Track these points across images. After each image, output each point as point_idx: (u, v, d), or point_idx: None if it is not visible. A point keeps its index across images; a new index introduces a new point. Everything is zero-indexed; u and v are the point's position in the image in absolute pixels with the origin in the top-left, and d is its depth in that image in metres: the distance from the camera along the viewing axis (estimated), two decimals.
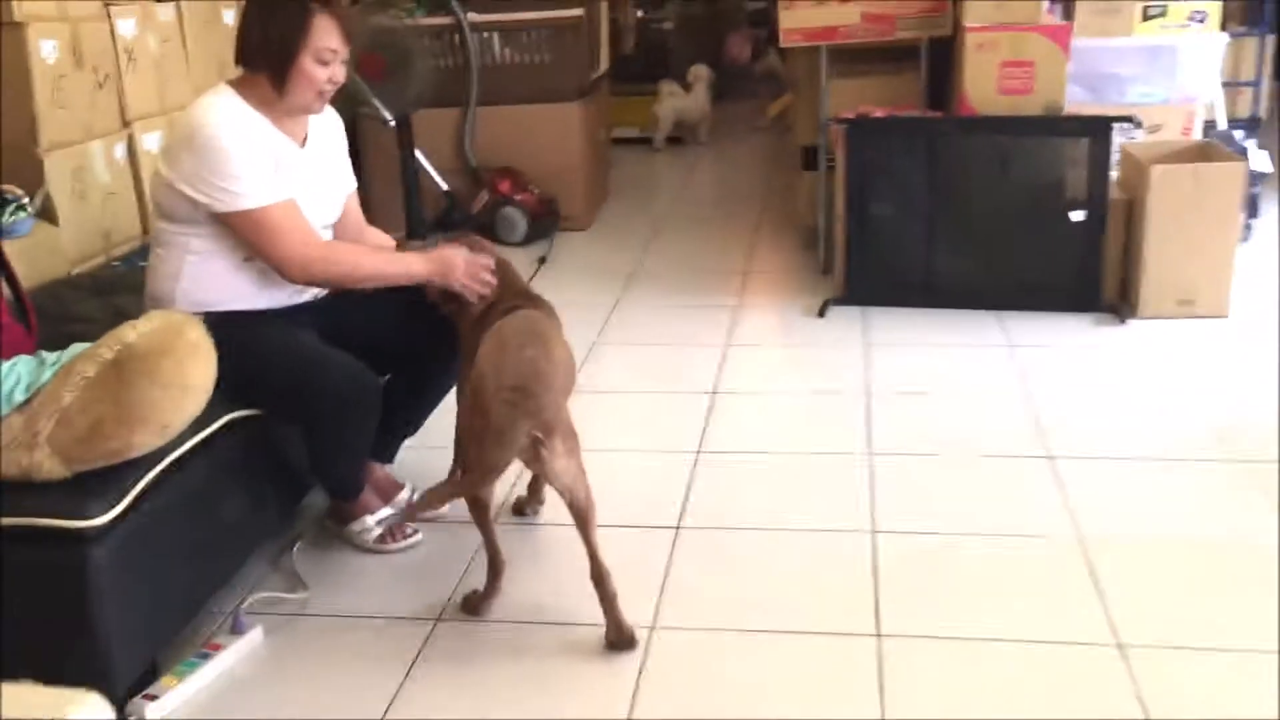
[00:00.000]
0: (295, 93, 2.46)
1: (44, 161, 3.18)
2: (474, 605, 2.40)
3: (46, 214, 3.21)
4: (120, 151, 3.51)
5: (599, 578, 2.25)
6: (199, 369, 2.07)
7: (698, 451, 3.07)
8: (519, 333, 2.37)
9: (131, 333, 1.99)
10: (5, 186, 3.13)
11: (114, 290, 3.04)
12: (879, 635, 2.26)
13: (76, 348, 2.06)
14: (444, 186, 5.04)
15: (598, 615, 2.29)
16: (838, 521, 2.68)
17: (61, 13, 3.25)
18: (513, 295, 2.55)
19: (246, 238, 2.44)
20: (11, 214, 3.04)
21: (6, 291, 2.41)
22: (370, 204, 5.35)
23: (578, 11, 5.16)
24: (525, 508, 2.78)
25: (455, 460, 2.59)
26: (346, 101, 4.93)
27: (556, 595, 2.44)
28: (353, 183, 2.81)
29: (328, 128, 2.70)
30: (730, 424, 3.24)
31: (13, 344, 2.24)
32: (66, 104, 3.26)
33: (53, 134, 3.21)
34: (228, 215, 2.41)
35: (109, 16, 3.46)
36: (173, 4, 3.79)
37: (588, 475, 2.27)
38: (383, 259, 2.61)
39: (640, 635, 2.28)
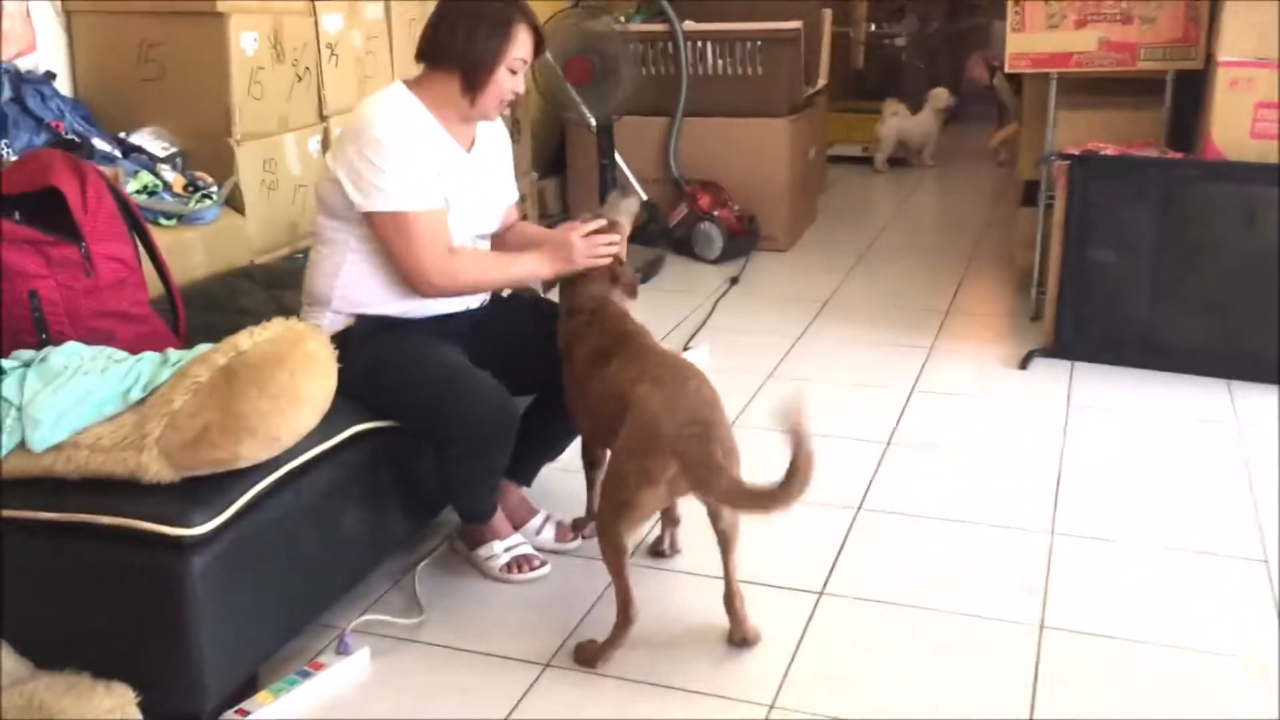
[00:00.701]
0: (483, 100, 2.41)
1: (236, 151, 3.23)
2: (590, 656, 2.24)
3: (234, 203, 3.27)
4: (314, 145, 3.54)
5: (731, 601, 2.28)
6: (315, 382, 2.00)
7: (858, 508, 2.82)
8: (666, 367, 2.29)
9: (247, 339, 1.94)
10: (197, 174, 3.20)
11: (285, 284, 3.05)
12: None
13: (201, 349, 2.03)
14: (644, 196, 4.92)
15: (718, 684, 2.14)
16: (1002, 608, 2.39)
17: (265, 5, 3.29)
18: (601, 318, 2.47)
19: (383, 239, 2.37)
20: (198, 201, 3.10)
21: (158, 285, 2.42)
22: (570, 209, 5.33)
23: (795, 24, 4.95)
24: (663, 547, 2.62)
25: (601, 503, 2.37)
26: (553, 105, 4.92)
27: (677, 656, 2.26)
28: (514, 194, 2.72)
29: (495, 136, 2.63)
30: (900, 479, 2.98)
31: (149, 338, 2.24)
32: (263, 95, 3.30)
33: (247, 124, 3.26)
34: (370, 213, 2.35)
35: (314, 11, 3.50)
36: (381, 2, 3.82)
37: None
38: (505, 265, 2.52)
39: (757, 714, 2.08)
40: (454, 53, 2.39)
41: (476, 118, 2.48)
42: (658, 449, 2.11)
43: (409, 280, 2.39)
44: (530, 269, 2.50)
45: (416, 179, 2.35)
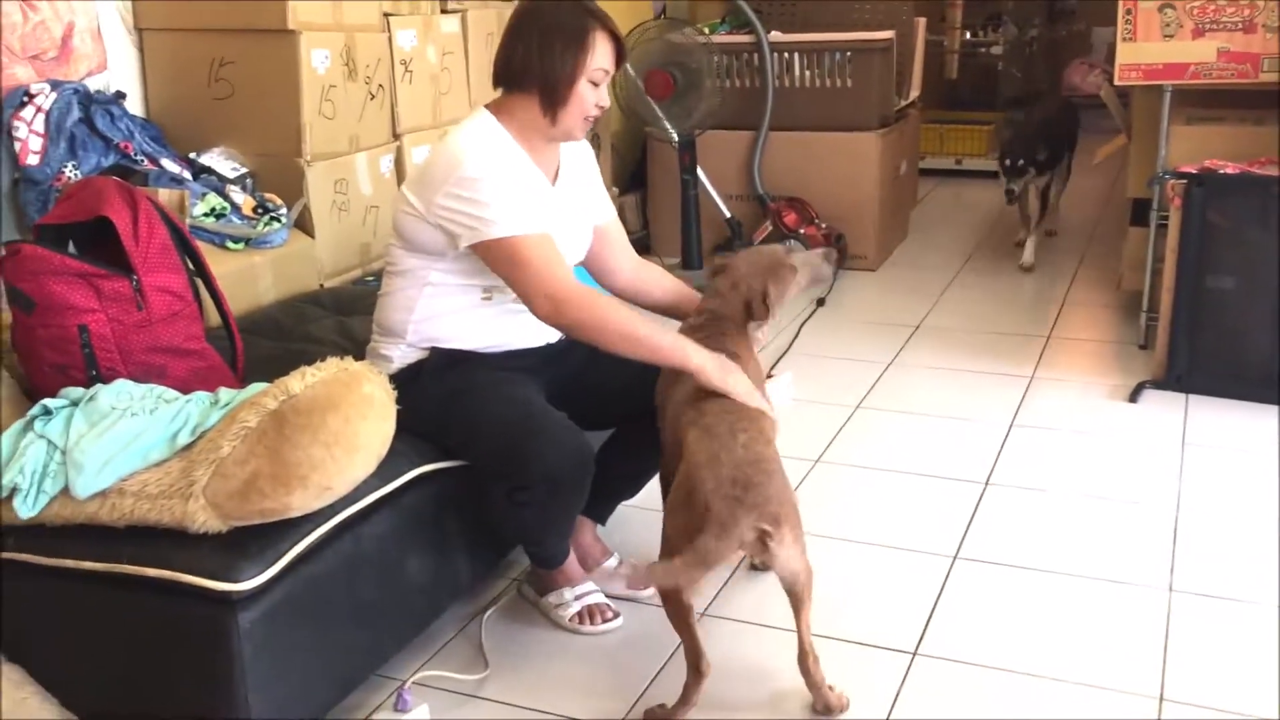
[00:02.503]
0: (566, 118, 2.27)
1: (306, 172, 3.14)
2: None
3: (304, 225, 3.18)
4: (387, 165, 3.44)
5: (805, 662, 2.09)
6: (371, 427, 1.87)
7: (955, 557, 2.62)
8: (724, 415, 2.09)
9: (299, 382, 1.81)
10: (267, 195, 3.11)
11: (355, 310, 2.95)
12: None
13: (253, 389, 1.91)
14: (726, 214, 4.76)
15: None
16: (1117, 678, 2.18)
17: (337, 22, 3.20)
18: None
19: (498, 269, 2.23)
20: (266, 224, 3.01)
21: (214, 316, 2.32)
22: (650, 227, 5.19)
23: (888, 34, 4.74)
24: (757, 562, 2.53)
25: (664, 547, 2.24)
26: (633, 119, 4.77)
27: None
28: (608, 212, 2.56)
29: (579, 160, 2.48)
30: (1001, 525, 2.76)
31: (205, 373, 2.14)
32: (335, 114, 3.21)
33: (318, 144, 3.17)
34: (478, 245, 2.21)
35: (388, 27, 3.41)
36: (457, 16, 3.71)
37: (810, 560, 2.04)
38: (648, 330, 2.18)
39: None
40: (530, 71, 2.25)
41: (561, 137, 2.34)
42: (693, 501, 1.95)
43: (531, 307, 2.22)
44: (679, 355, 2.16)
45: (515, 204, 2.20)
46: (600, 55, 2.25)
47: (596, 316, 2.18)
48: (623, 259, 2.57)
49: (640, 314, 2.25)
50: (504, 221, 2.18)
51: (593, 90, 2.27)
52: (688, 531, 1.94)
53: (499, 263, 2.22)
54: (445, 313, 2.32)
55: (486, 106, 2.33)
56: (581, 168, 2.49)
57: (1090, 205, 5.99)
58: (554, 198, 2.36)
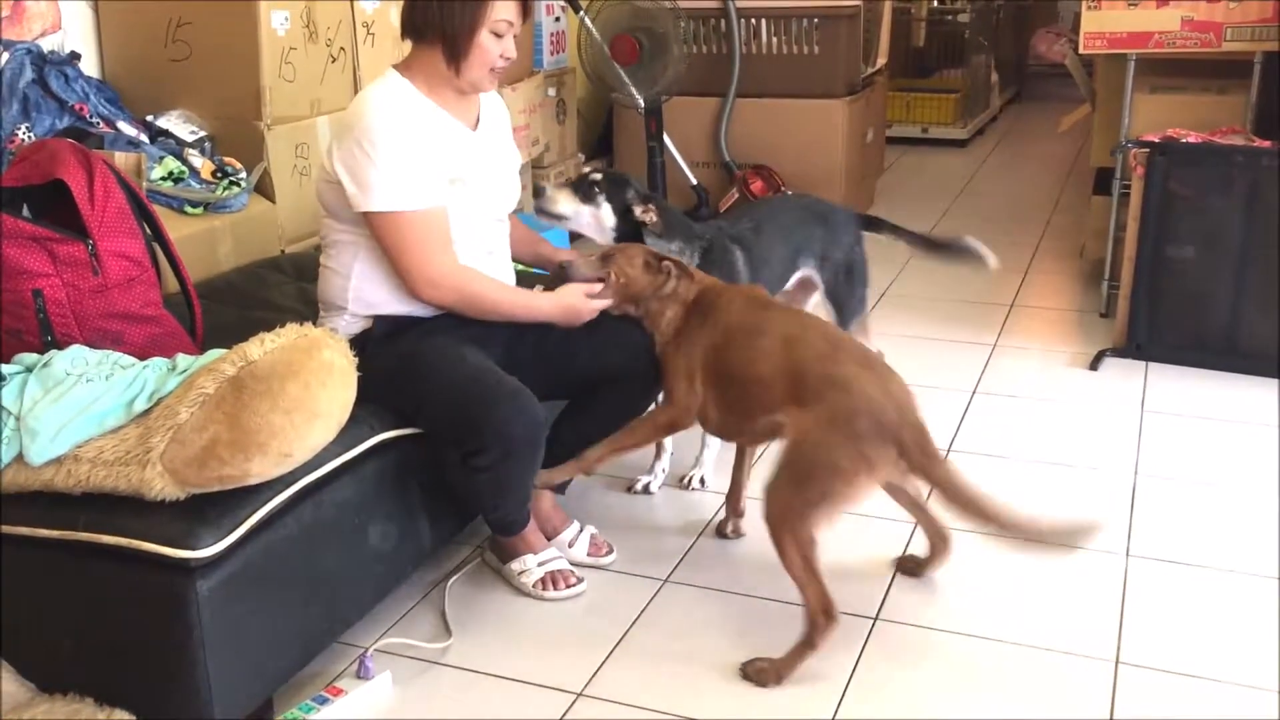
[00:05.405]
0: (470, 69, 2.27)
1: (266, 136, 3.10)
2: (778, 669, 2.09)
3: (264, 190, 3.14)
4: None
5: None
6: (331, 394, 1.85)
7: (916, 522, 2.64)
8: (861, 349, 2.32)
9: (257, 348, 1.79)
10: (226, 159, 3.07)
11: (316, 276, 2.91)
12: None
13: (211, 355, 1.89)
14: (693, 181, 4.75)
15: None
16: (1073, 639, 2.21)
17: None
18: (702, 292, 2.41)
19: (379, 240, 2.24)
20: (226, 188, 2.97)
21: (173, 282, 2.28)
22: None
23: (855, 1, 4.73)
24: (728, 530, 2.62)
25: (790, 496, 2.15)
26: (599, 85, 4.74)
27: (720, 687, 2.10)
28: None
29: (497, 110, 2.50)
30: None
31: (162, 339, 2.11)
32: (295, 77, 3.17)
33: (278, 108, 3.12)
34: (365, 214, 2.22)
35: None
36: None
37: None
38: (511, 298, 2.37)
39: None
40: (431, 23, 2.24)
41: (468, 89, 2.34)
42: (883, 435, 2.03)
43: (406, 284, 2.26)
44: (535, 311, 2.37)
45: (406, 174, 2.20)
46: (501, 8, 2.24)
47: (466, 298, 2.29)
48: (521, 233, 2.61)
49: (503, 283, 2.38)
50: (390, 192, 2.18)
51: (496, 41, 2.26)
52: (866, 459, 2.04)
53: (379, 235, 2.24)
54: (381, 279, 2.31)
55: (396, 66, 2.33)
56: (502, 118, 2.51)
57: (1053, 173, 6.02)
58: (476, 142, 2.36)
